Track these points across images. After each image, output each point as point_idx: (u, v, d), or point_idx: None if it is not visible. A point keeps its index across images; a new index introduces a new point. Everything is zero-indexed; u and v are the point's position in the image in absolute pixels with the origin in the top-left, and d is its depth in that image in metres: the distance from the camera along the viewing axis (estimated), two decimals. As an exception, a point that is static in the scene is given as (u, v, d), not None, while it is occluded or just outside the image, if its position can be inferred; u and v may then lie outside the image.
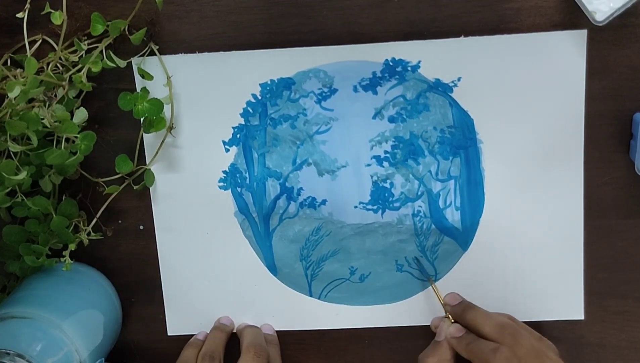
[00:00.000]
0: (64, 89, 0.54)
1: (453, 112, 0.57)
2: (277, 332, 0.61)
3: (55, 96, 0.54)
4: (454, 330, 0.55)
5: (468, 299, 0.59)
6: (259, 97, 0.57)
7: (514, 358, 0.50)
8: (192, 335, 0.61)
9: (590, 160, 0.56)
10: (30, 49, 0.55)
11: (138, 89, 0.57)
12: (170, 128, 0.57)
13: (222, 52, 0.57)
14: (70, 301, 0.56)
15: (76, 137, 0.53)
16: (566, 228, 0.58)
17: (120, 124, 0.58)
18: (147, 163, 0.58)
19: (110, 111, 0.58)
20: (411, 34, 0.56)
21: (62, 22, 0.53)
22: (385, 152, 0.58)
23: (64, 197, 0.58)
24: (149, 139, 0.58)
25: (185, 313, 0.61)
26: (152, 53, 0.57)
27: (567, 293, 0.58)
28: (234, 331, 0.61)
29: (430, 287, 0.59)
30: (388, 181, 0.58)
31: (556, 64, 0.55)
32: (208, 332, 0.60)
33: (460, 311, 0.56)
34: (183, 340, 0.61)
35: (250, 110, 0.58)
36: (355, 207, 0.58)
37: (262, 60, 0.57)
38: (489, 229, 0.58)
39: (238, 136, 0.58)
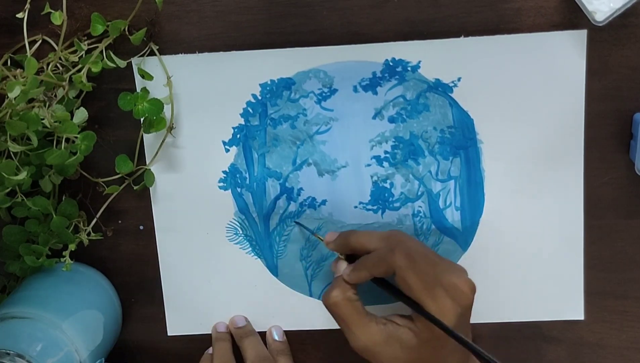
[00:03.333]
0: (64, 89, 0.54)
1: (453, 112, 0.57)
2: (277, 332, 0.61)
3: (55, 96, 0.54)
4: (346, 267, 0.52)
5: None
6: (259, 98, 0.57)
7: (411, 252, 0.48)
8: (192, 335, 0.61)
9: (590, 160, 0.56)
10: (30, 49, 0.55)
11: (138, 89, 0.57)
12: (170, 128, 0.57)
13: (222, 52, 0.57)
14: (70, 302, 0.56)
15: (76, 137, 0.53)
16: (566, 228, 0.58)
17: (120, 124, 0.58)
18: (147, 163, 0.58)
19: (110, 111, 0.58)
20: (411, 34, 0.56)
21: (62, 22, 0.53)
22: (385, 152, 0.58)
23: (64, 197, 0.58)
24: (149, 139, 0.58)
25: (185, 313, 0.61)
26: (152, 53, 0.57)
27: (567, 293, 0.58)
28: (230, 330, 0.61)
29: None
30: (388, 181, 0.58)
31: (556, 64, 0.55)
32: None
33: (344, 242, 0.53)
34: (183, 340, 0.61)
35: (250, 110, 0.58)
36: (355, 207, 0.58)
37: (262, 60, 0.57)
38: (489, 229, 0.58)
39: (238, 136, 0.58)
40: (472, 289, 0.48)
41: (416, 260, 0.48)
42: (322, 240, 0.56)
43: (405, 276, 0.48)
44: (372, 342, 0.49)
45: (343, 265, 0.53)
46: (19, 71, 0.49)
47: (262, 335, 0.61)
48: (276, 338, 0.60)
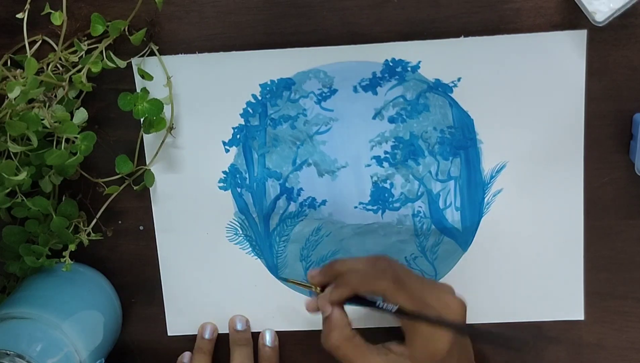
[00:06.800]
0: (64, 89, 0.54)
1: (453, 112, 0.57)
2: (277, 332, 0.61)
3: (55, 96, 0.54)
4: (334, 293, 0.52)
5: (468, 300, 0.59)
6: (259, 98, 0.57)
7: (399, 275, 0.50)
8: (192, 335, 0.61)
9: (590, 160, 0.56)
10: (30, 49, 0.55)
11: (138, 90, 0.57)
12: (170, 128, 0.57)
13: (222, 53, 0.57)
14: (70, 302, 0.56)
15: (76, 137, 0.53)
16: (566, 228, 0.58)
17: (120, 124, 0.58)
18: (147, 163, 0.58)
19: (110, 111, 0.58)
20: (411, 34, 0.56)
21: (62, 23, 0.53)
22: (385, 152, 0.58)
23: (64, 197, 0.58)
24: (149, 140, 0.58)
25: (185, 313, 0.61)
26: (152, 53, 0.57)
27: (567, 293, 0.58)
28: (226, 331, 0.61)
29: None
30: (388, 181, 0.58)
31: (556, 64, 0.55)
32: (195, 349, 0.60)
33: (329, 271, 0.53)
34: (183, 340, 0.61)
35: (250, 110, 0.58)
36: (355, 207, 0.58)
37: (262, 60, 0.57)
38: (488, 229, 0.58)
39: (238, 136, 0.58)
40: (463, 306, 0.51)
41: (405, 282, 0.50)
42: (310, 288, 0.55)
43: (396, 299, 0.49)
44: None
45: (324, 303, 0.52)
46: (19, 71, 0.49)
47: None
48: (267, 343, 0.60)
